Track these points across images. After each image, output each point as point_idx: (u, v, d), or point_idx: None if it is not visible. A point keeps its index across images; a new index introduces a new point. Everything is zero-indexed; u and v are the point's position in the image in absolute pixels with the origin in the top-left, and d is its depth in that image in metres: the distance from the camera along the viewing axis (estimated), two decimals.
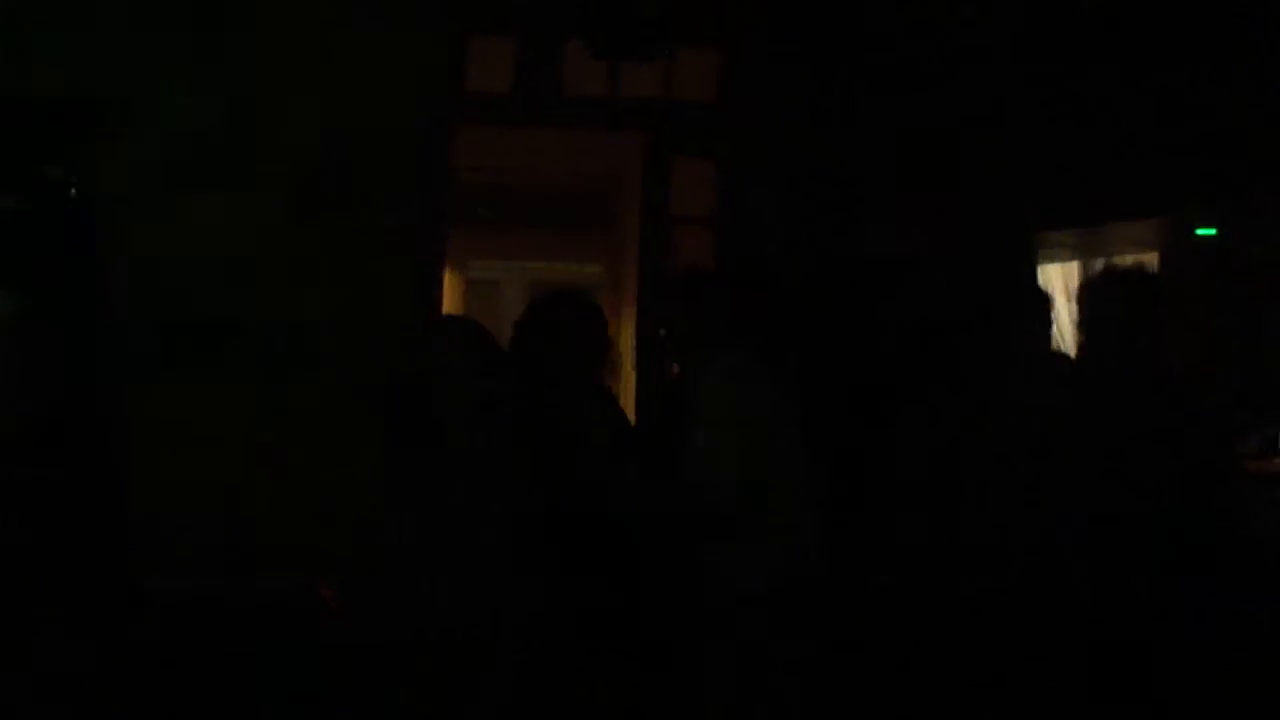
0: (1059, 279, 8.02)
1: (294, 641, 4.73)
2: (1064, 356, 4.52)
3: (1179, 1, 5.56)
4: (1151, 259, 7.16)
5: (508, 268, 11.99)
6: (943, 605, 3.84)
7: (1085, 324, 4.04)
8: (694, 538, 3.89)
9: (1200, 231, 5.45)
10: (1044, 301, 4.25)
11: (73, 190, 5.31)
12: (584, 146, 8.15)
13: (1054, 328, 4.79)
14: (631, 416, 4.87)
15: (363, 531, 4.06)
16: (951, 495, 3.91)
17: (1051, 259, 7.28)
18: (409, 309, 5.67)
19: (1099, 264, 8.04)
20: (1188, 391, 3.97)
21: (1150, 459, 3.78)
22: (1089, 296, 4.04)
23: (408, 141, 5.80)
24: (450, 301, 8.10)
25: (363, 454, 4.35)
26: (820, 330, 5.51)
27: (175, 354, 5.42)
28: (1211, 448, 3.93)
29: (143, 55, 5.59)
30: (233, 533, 5.32)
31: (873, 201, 6.18)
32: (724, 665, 3.97)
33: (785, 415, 4.06)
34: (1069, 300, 8.04)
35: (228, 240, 5.58)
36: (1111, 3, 5.80)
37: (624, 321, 9.14)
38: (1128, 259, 7.67)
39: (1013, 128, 6.05)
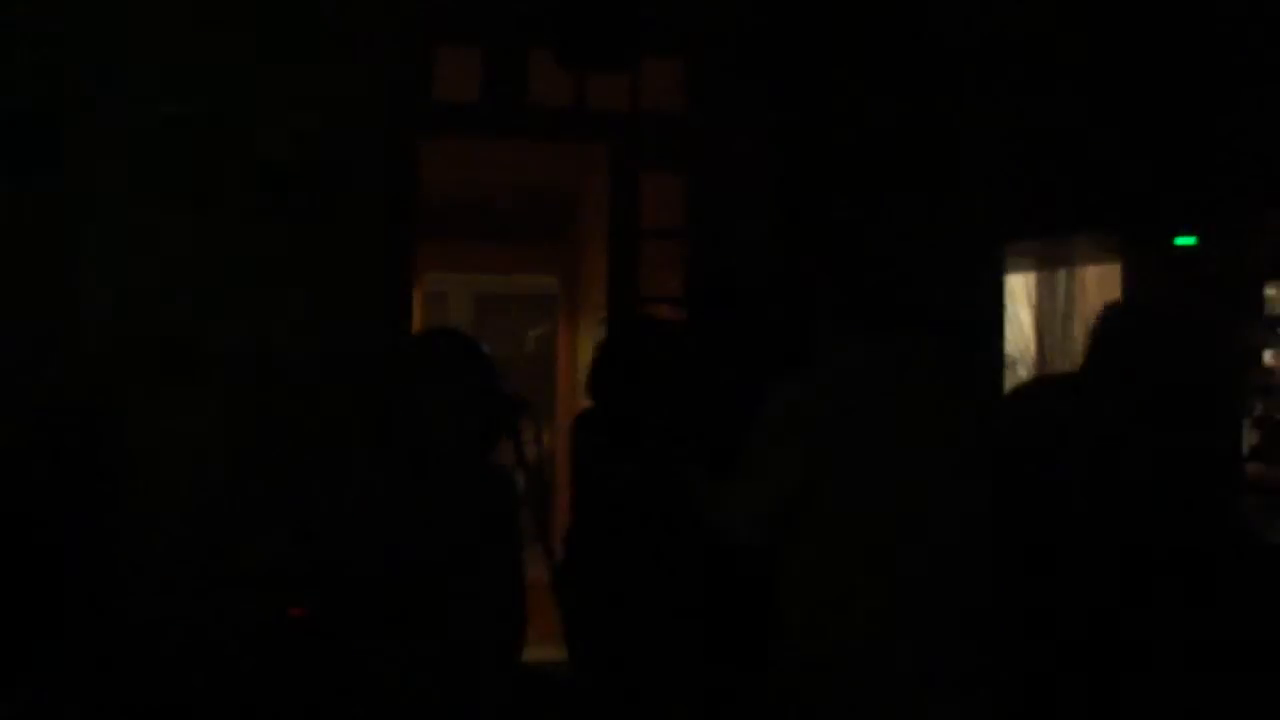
0: (1021, 290, 8.05)
1: (268, 662, 4.68)
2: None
3: (1150, 11, 5.56)
4: (1114, 270, 7.17)
5: (455, 280, 11.93)
6: None
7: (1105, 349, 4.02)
8: None
9: (1179, 241, 5.43)
10: None
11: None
12: (548, 158, 8.11)
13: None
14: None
15: (333, 550, 4.01)
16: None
17: (1012, 269, 7.26)
18: (379, 320, 5.60)
19: (1061, 274, 8.09)
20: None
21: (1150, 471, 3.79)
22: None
23: (375, 151, 5.72)
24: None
25: (334, 468, 4.29)
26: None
27: (141, 367, 5.35)
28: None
29: (105, 62, 5.49)
30: (201, 552, 5.26)
31: (840, 214, 6.16)
32: None
33: None
34: (1034, 313, 8.13)
35: (194, 251, 5.51)
36: (1078, 11, 5.80)
37: (581, 334, 9.11)
38: (1089, 270, 7.73)
39: (980, 136, 6.03)
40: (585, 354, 8.82)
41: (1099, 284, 7.62)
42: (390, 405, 3.90)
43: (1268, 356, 6.96)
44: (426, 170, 5.99)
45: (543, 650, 8.26)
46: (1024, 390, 4.91)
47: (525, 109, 6.19)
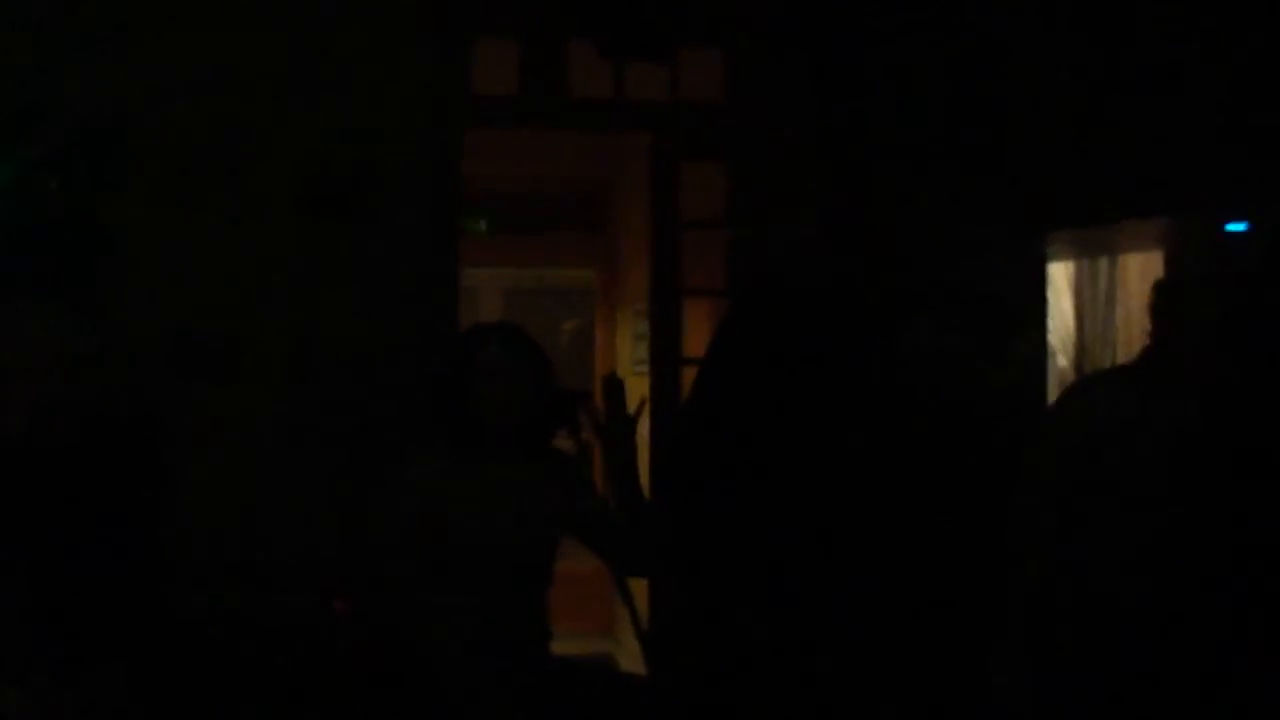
0: (1062, 278, 7.97)
1: (309, 657, 4.67)
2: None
3: None
4: (1156, 258, 7.10)
5: (485, 275, 11.89)
6: None
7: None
8: None
9: (1231, 227, 5.37)
10: None
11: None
12: (588, 149, 8.08)
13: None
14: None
15: (376, 543, 3.99)
16: None
17: (1053, 256, 7.19)
18: (425, 315, 5.57)
19: (1102, 262, 8.01)
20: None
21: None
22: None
23: (415, 145, 5.69)
24: None
25: (377, 464, 4.28)
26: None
27: (185, 365, 5.33)
28: None
29: (143, 60, 5.46)
30: (247, 547, 5.25)
31: (882, 203, 6.11)
32: None
33: None
34: (1074, 302, 8.05)
35: (234, 248, 5.49)
36: None
37: (620, 327, 9.08)
38: (1132, 258, 7.65)
39: (1025, 122, 5.97)
40: (624, 346, 8.81)
41: (1141, 272, 7.55)
42: (446, 398, 3.88)
43: None
44: (467, 163, 5.96)
45: (592, 644, 8.34)
46: (1082, 386, 4.82)
47: (564, 100, 6.14)
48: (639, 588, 4.58)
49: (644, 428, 4.09)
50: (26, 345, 3.86)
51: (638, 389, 5.79)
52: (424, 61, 5.75)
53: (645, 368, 6.52)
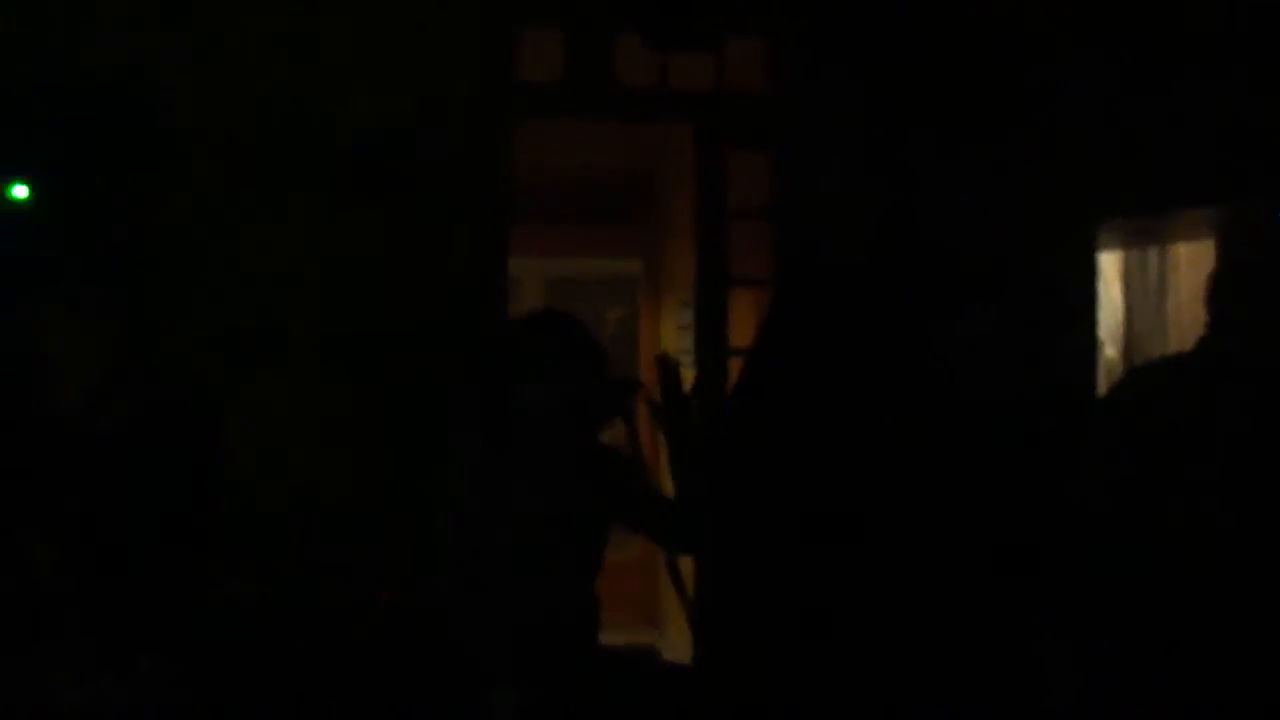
0: (1111, 268, 7.90)
1: (355, 647, 4.68)
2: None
3: None
4: (1207, 247, 7.05)
5: (528, 265, 11.88)
6: None
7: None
8: None
9: None
10: None
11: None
12: (633, 139, 8.06)
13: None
14: None
15: (424, 534, 4.00)
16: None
17: (1102, 247, 7.13)
18: (471, 306, 5.57)
19: (1152, 252, 7.94)
20: None
21: None
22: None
23: (462, 135, 5.69)
24: None
25: (425, 454, 4.27)
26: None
27: (233, 354, 5.34)
28: None
29: (189, 46, 5.47)
30: (292, 538, 5.26)
31: (929, 191, 6.07)
32: None
33: None
34: (1123, 292, 8.00)
35: (281, 238, 5.50)
36: None
37: (665, 316, 9.07)
38: (1182, 247, 7.59)
39: (1075, 109, 5.93)
40: (669, 336, 8.79)
41: (1191, 261, 7.49)
42: (498, 388, 3.87)
43: None
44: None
45: (636, 634, 8.34)
46: (1135, 376, 4.76)
47: (610, 90, 6.12)
48: (690, 573, 4.56)
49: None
50: (76, 334, 3.87)
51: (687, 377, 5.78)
52: (470, 51, 5.74)
53: (690, 357, 6.50)
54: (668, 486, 4.03)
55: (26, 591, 3.52)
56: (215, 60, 5.51)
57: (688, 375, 4.10)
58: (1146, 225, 6.69)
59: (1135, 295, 8.09)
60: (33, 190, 5.23)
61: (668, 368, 3.96)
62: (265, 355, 5.40)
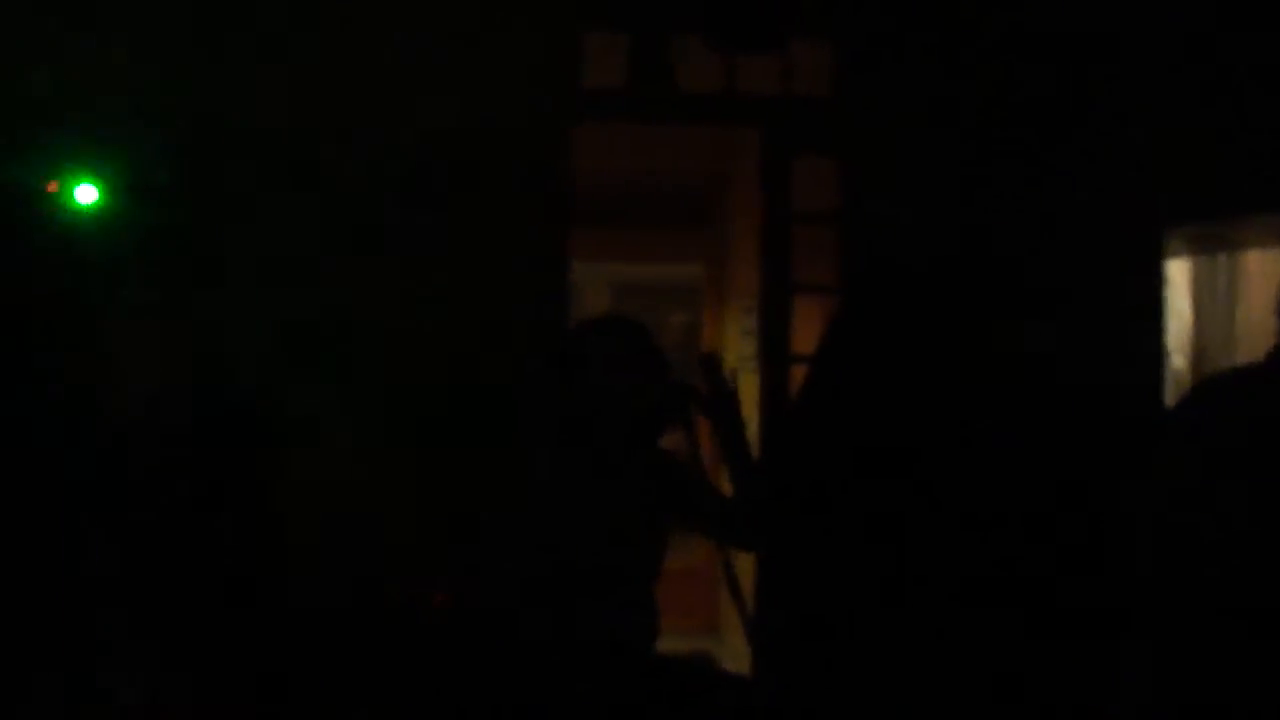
0: (1180, 277, 7.82)
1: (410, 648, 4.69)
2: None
3: None
4: (1277, 254, 6.97)
5: (592, 270, 11.89)
6: None
7: None
8: None
9: None
10: None
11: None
12: (698, 144, 8.03)
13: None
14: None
15: (482, 536, 3.99)
16: None
17: (1170, 255, 7.07)
18: (533, 311, 5.56)
19: (1221, 259, 7.85)
20: None
21: None
22: None
23: (526, 140, 5.69)
24: None
25: (485, 457, 4.27)
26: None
27: (294, 358, 5.36)
28: None
29: (252, 54, 5.50)
30: (350, 539, 5.27)
31: (992, 197, 6.02)
32: None
33: None
34: (1192, 301, 7.91)
35: (344, 242, 5.51)
36: None
37: (728, 322, 9.03)
38: (1251, 254, 7.49)
39: (1144, 113, 5.87)
40: (732, 342, 8.76)
41: (1261, 270, 7.40)
42: (558, 392, 3.86)
43: None
44: (576, 156, 5.95)
45: (693, 641, 8.31)
46: (1206, 387, 4.68)
47: (674, 94, 6.10)
48: (748, 581, 4.53)
49: (752, 423, 4.06)
50: (143, 337, 3.89)
51: (746, 386, 5.75)
52: (533, 54, 5.75)
53: (753, 364, 6.47)
54: (726, 487, 4.02)
55: (88, 592, 3.53)
56: (282, 66, 5.52)
57: (749, 386, 4.09)
58: (1216, 232, 6.62)
59: (1204, 304, 8.00)
60: (101, 193, 5.26)
61: (709, 363, 3.95)
62: (330, 359, 5.41)
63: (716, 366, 3.95)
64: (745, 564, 4.47)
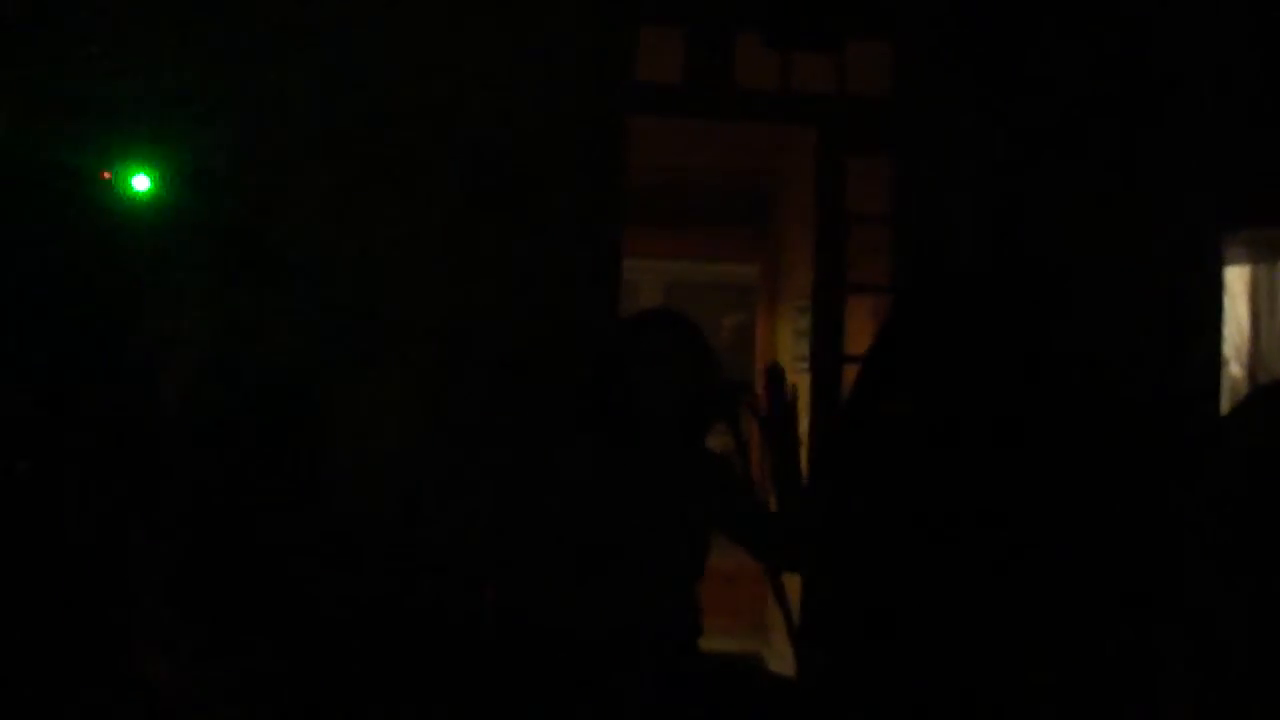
0: (1238, 284, 7.73)
1: (458, 642, 4.68)
2: None
3: None
4: None
5: (646, 267, 11.88)
6: None
7: None
8: None
9: None
10: None
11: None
12: (753, 142, 8.00)
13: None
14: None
15: (529, 531, 3.97)
16: None
17: (1229, 262, 7.00)
18: (584, 307, 5.54)
19: None
20: None
21: None
22: None
23: (581, 135, 5.67)
24: None
25: (531, 453, 4.26)
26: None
27: (342, 352, 5.36)
28: None
29: (304, 51, 5.51)
30: (397, 531, 5.27)
31: (1047, 200, 5.97)
32: None
33: None
34: (1250, 308, 7.82)
35: (395, 237, 5.52)
36: None
37: (781, 322, 9.00)
38: None
39: (1206, 116, 5.80)
40: (786, 342, 8.73)
41: None
42: (602, 385, 3.85)
43: None
44: (631, 153, 5.93)
45: (742, 641, 8.28)
46: (1263, 394, 4.63)
47: (730, 91, 6.07)
48: (794, 587, 4.50)
49: (802, 424, 4.02)
50: (187, 320, 3.89)
51: (799, 386, 5.71)
52: (588, 49, 5.72)
53: (806, 364, 6.44)
54: (772, 500, 3.98)
55: (129, 578, 3.53)
56: (338, 62, 5.52)
57: (802, 386, 4.06)
58: (1274, 238, 6.54)
59: (1262, 311, 7.91)
60: (155, 182, 5.28)
61: (775, 375, 3.92)
62: (378, 351, 5.42)
63: (780, 379, 3.92)
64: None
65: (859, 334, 6.05)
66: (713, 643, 4.07)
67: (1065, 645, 3.53)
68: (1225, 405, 6.18)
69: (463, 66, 5.62)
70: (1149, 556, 3.58)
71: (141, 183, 5.26)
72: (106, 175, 5.20)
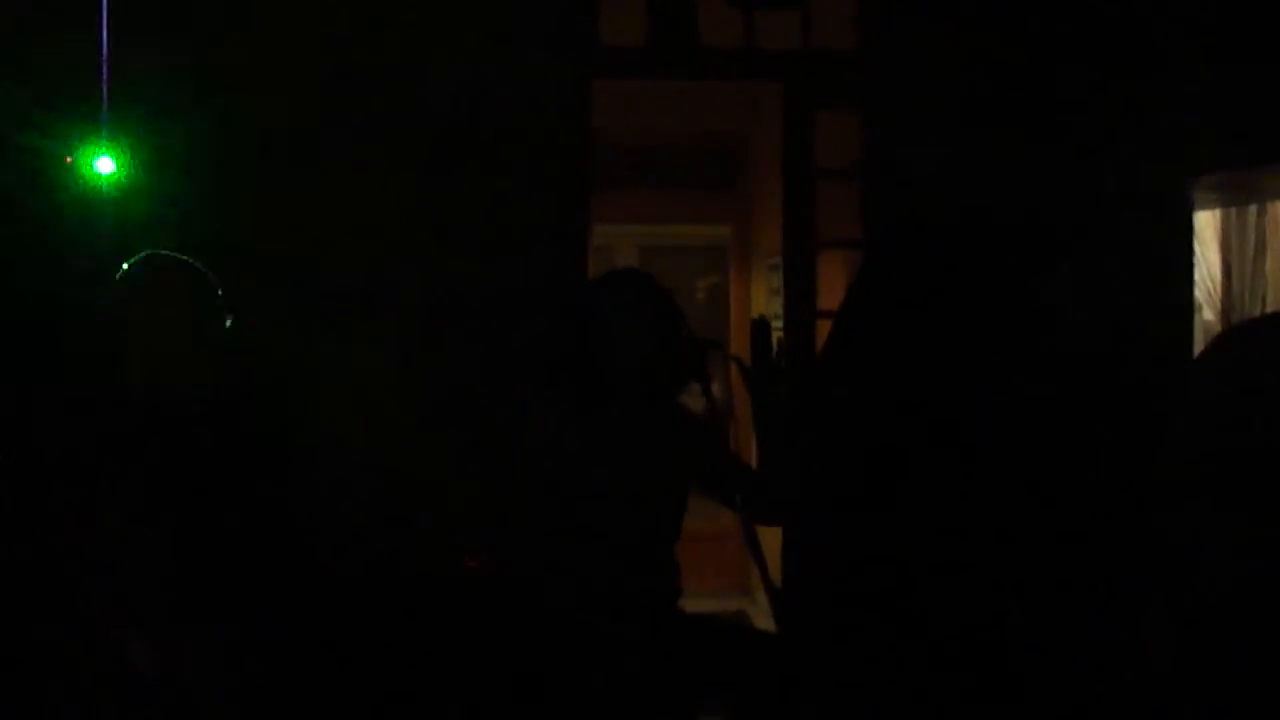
0: (1208, 228, 7.75)
1: (440, 613, 4.68)
2: None
3: None
4: None
5: (619, 232, 11.85)
6: None
7: None
8: None
9: None
10: None
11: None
12: (721, 101, 7.99)
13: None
14: None
15: (511, 499, 3.97)
16: None
17: (1199, 206, 7.00)
18: (554, 270, 5.53)
19: (1251, 211, 7.76)
20: None
21: None
22: None
23: (548, 102, 5.64)
24: None
25: (507, 418, 4.25)
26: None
27: (318, 320, 5.34)
28: None
29: (270, 18, 5.47)
30: (379, 503, 5.26)
31: (1020, 149, 5.95)
32: None
33: None
34: (1220, 253, 7.83)
35: (364, 202, 5.49)
36: None
37: (755, 283, 9.00)
38: None
39: (1168, 58, 5.79)
40: (760, 302, 8.73)
41: None
42: (572, 346, 3.85)
43: None
44: (598, 116, 5.91)
45: (727, 601, 8.31)
46: (1234, 337, 4.62)
47: (694, 50, 6.05)
48: (770, 544, 4.50)
49: None
50: (160, 298, 3.85)
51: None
52: (551, 12, 5.69)
53: (780, 322, 6.44)
54: (750, 454, 3.98)
55: (109, 564, 3.52)
56: (302, 32, 5.49)
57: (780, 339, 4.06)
58: (1243, 181, 6.53)
59: (1233, 256, 7.92)
60: (119, 163, 5.25)
61: (759, 329, 3.90)
62: (347, 323, 5.39)
63: (765, 333, 3.89)
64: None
65: (831, 290, 6.05)
66: (698, 603, 4.07)
67: (1042, 579, 3.54)
68: (1198, 350, 6.19)
69: (426, 35, 5.57)
70: (1123, 495, 3.58)
71: (106, 165, 5.22)
72: (69, 159, 5.17)
